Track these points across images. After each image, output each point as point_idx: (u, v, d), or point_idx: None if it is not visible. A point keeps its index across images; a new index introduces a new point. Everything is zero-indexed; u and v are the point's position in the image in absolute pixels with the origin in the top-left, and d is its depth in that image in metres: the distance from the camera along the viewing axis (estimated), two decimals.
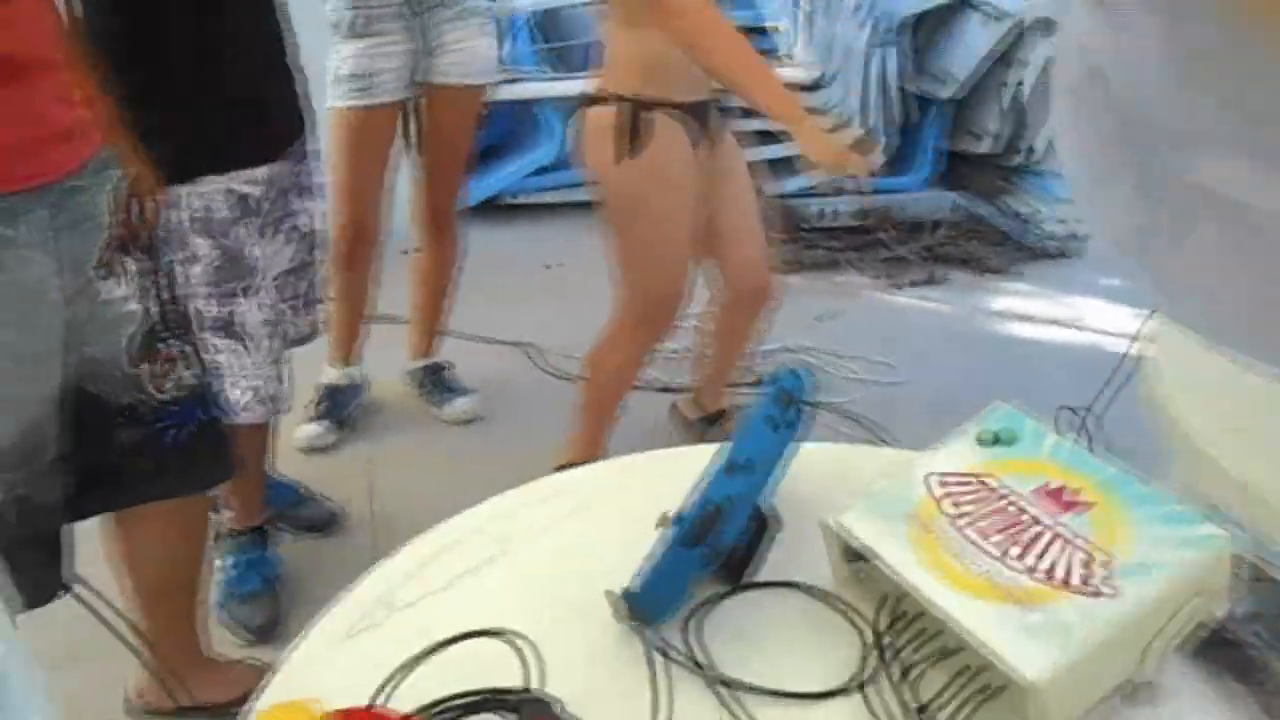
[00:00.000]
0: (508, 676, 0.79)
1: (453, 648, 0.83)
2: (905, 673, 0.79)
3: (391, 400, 2.77)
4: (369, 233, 2.43)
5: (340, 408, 2.63)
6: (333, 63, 2.27)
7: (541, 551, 0.96)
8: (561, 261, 3.51)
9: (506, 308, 3.10)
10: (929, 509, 0.84)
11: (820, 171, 1.82)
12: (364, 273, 2.49)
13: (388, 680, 0.79)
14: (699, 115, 1.97)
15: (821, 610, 0.87)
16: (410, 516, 2.22)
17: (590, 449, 2.17)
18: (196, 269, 1.70)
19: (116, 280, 1.37)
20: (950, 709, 0.75)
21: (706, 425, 2.52)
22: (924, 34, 3.69)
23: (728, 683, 0.79)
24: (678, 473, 0.92)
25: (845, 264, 3.50)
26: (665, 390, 2.75)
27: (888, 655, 0.80)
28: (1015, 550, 0.78)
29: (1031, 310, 3.26)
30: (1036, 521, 0.80)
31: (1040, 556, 0.77)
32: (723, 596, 0.87)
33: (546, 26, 4.13)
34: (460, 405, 2.71)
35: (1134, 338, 1.30)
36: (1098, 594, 0.74)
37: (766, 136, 2.84)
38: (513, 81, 3.60)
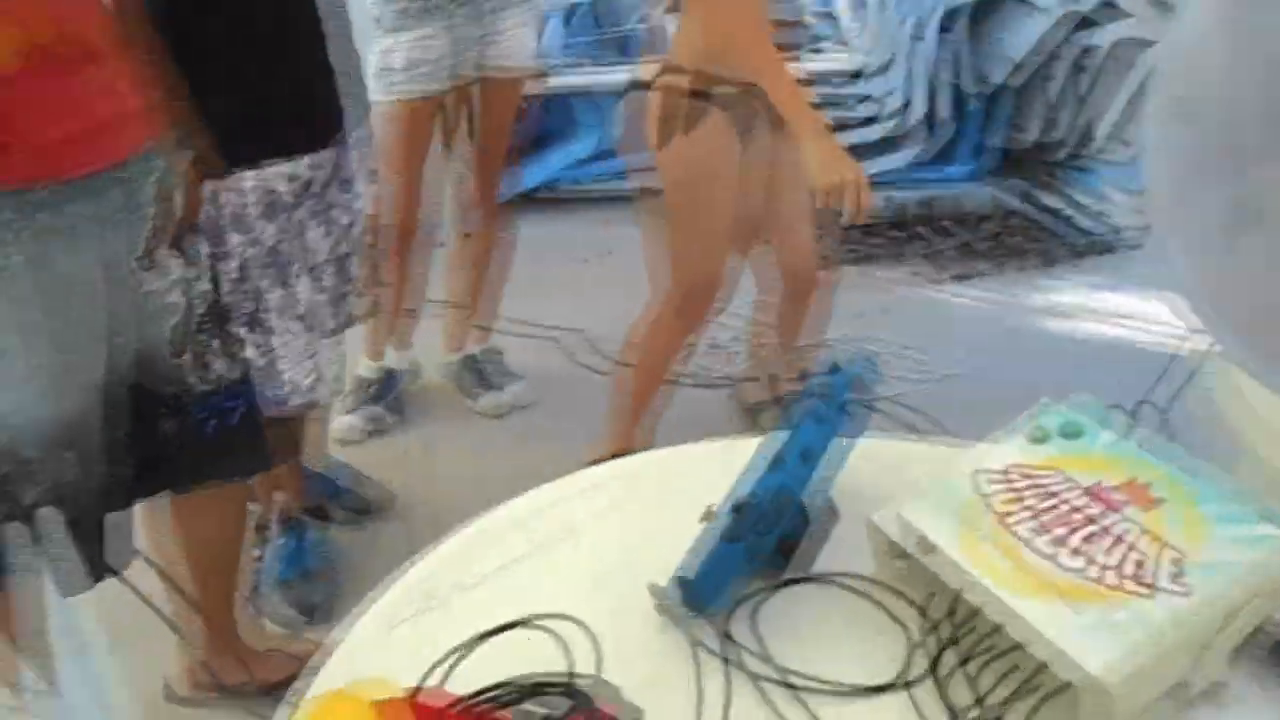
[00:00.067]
0: (556, 665, 0.79)
1: (501, 635, 0.83)
2: (952, 672, 0.78)
3: (431, 391, 2.78)
4: (412, 227, 2.44)
5: (376, 400, 2.64)
6: (375, 56, 2.28)
7: (586, 543, 0.95)
8: (599, 254, 3.50)
9: (544, 300, 3.10)
10: (978, 507, 0.82)
11: (815, 190, 1.78)
12: (405, 267, 2.50)
13: (441, 661, 0.79)
14: (760, 101, 1.96)
15: (865, 607, 0.86)
16: (450, 506, 2.25)
17: (629, 439, 2.17)
18: (233, 262, 1.71)
19: (159, 272, 1.38)
20: (1000, 709, 0.74)
21: (761, 413, 2.52)
22: (973, 26, 3.64)
23: (772, 675, 0.78)
24: (722, 465, 0.91)
25: (886, 259, 3.47)
26: (707, 386, 2.75)
27: (935, 653, 0.79)
28: (1070, 547, 0.77)
29: (1076, 306, 3.21)
30: (1093, 518, 0.79)
31: (1098, 554, 0.76)
32: (766, 591, 0.86)
33: (580, 18, 4.12)
34: (487, 401, 2.72)
35: (1187, 335, 1.27)
36: (1166, 591, 0.72)
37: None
38: (553, 74, 3.60)
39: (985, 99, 3.65)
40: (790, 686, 0.78)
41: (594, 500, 1.02)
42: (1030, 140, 3.65)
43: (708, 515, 0.82)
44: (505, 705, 0.71)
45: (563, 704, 0.71)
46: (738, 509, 0.78)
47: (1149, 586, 0.73)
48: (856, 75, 3.66)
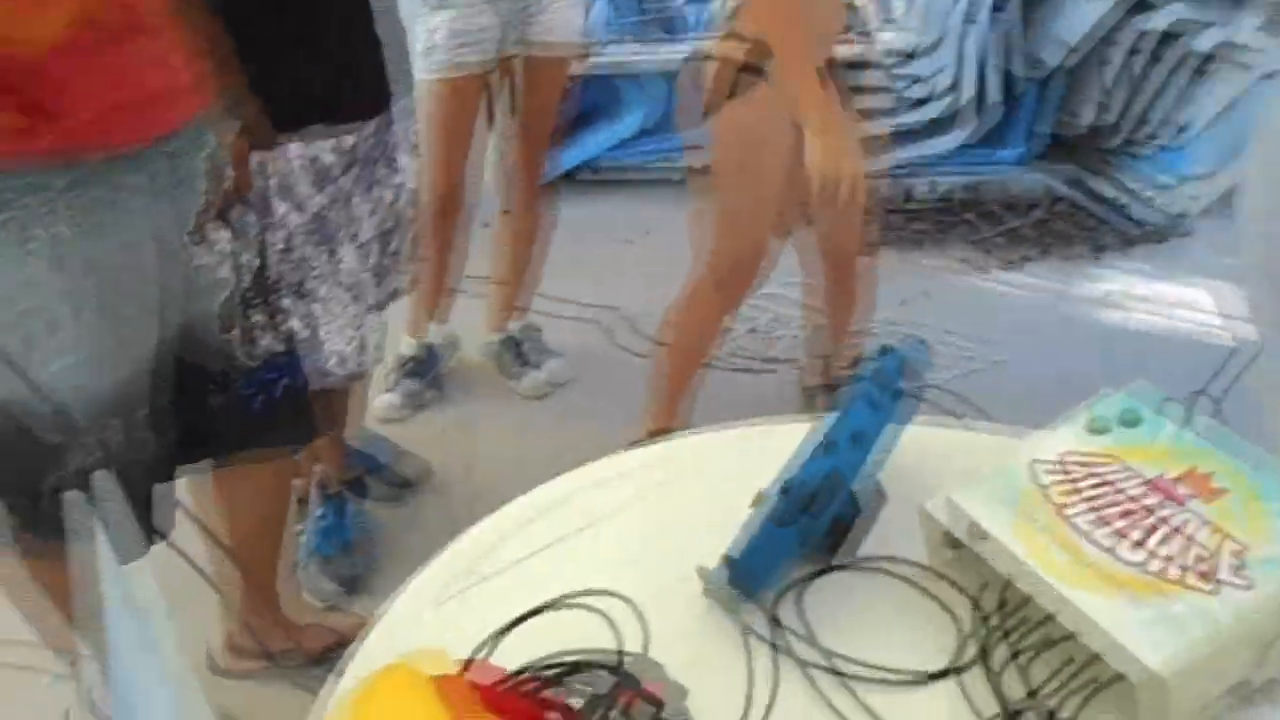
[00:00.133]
0: (601, 643, 0.79)
1: (547, 613, 0.83)
2: (1006, 664, 0.76)
3: (471, 369, 2.79)
4: (455, 204, 2.44)
5: (416, 377, 2.66)
6: (422, 33, 2.28)
7: (631, 524, 0.95)
8: (639, 235, 3.49)
9: (584, 281, 3.10)
10: (1035, 497, 0.81)
11: (814, 177, 1.77)
12: (447, 245, 2.51)
13: (492, 637, 0.79)
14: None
15: (912, 594, 0.85)
16: (488, 484, 2.27)
17: (667, 419, 2.17)
18: (280, 232, 1.72)
19: (208, 247, 1.38)
20: (1052, 701, 0.73)
21: (815, 397, 2.52)
22: (1025, 8, 3.57)
23: (820, 660, 0.77)
24: (769, 448, 0.90)
25: (931, 245, 3.43)
26: (745, 370, 2.73)
27: (988, 643, 0.78)
28: (1130, 540, 0.75)
29: (1125, 296, 3.15)
30: (1153, 510, 0.77)
31: (1158, 547, 0.74)
32: (814, 576, 0.85)
33: None
34: (529, 382, 2.72)
35: (1236, 326, 1.25)
36: (1228, 585, 0.70)
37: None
38: (598, 53, 3.58)
39: (1037, 82, 3.58)
40: (839, 674, 0.77)
41: (639, 481, 1.01)
42: (1083, 124, 3.57)
43: (758, 499, 0.82)
44: (552, 681, 0.70)
45: (608, 680, 0.71)
46: (788, 492, 0.77)
47: (1210, 580, 0.71)
48: (908, 56, 3.60)
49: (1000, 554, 0.78)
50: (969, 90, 3.51)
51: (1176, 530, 0.75)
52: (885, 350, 0.88)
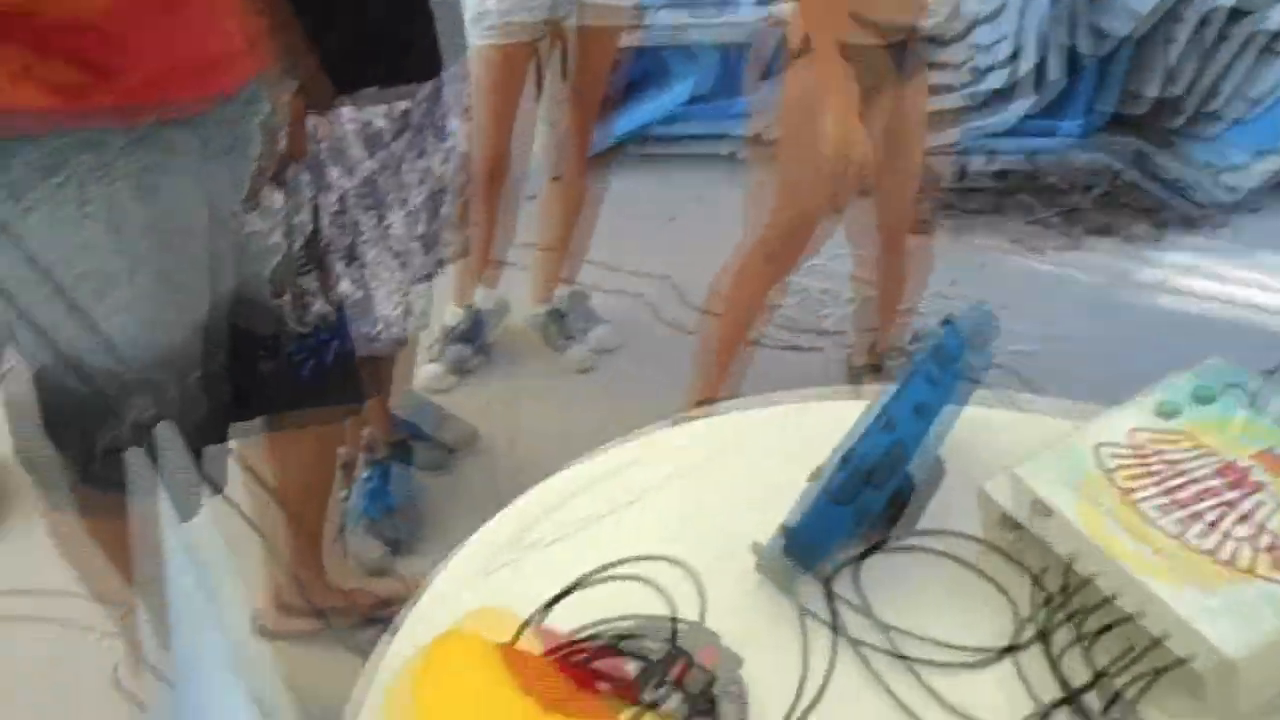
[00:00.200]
0: (655, 612, 0.78)
1: (599, 582, 0.82)
2: (1067, 647, 0.75)
3: (517, 339, 2.79)
4: (502, 170, 2.44)
5: (463, 345, 2.66)
6: (472, 1, 2.28)
7: (681, 496, 0.94)
8: (688, 209, 3.47)
9: (631, 254, 3.09)
10: (1100, 482, 0.79)
11: (824, 162, 1.81)
12: (493, 211, 2.50)
13: (550, 601, 0.79)
14: (891, 61, 1.94)
15: (969, 575, 0.83)
16: (533, 453, 2.28)
17: (714, 390, 2.16)
18: (332, 195, 1.72)
19: (263, 212, 1.39)
20: (1113, 686, 0.71)
21: (863, 376, 2.50)
22: None
23: (878, 636, 0.76)
24: (823, 423, 0.89)
25: (984, 226, 3.37)
26: (793, 348, 2.71)
27: (1048, 625, 0.76)
28: (1200, 525, 0.73)
29: (1183, 282, 3.08)
30: (1223, 494, 0.75)
31: (1229, 533, 0.72)
32: (869, 552, 0.84)
33: None
34: (574, 354, 2.72)
35: None
36: None
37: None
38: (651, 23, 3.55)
39: (1096, 62, 3.49)
40: (902, 657, 0.76)
41: (689, 454, 1.00)
42: (1148, 99, 3.48)
43: (815, 474, 0.80)
44: (605, 650, 0.70)
45: (662, 649, 0.70)
46: (847, 465, 0.76)
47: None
48: (966, 31, 3.52)
49: (1064, 533, 0.76)
50: (1029, 61, 3.43)
51: (1247, 515, 0.73)
52: (948, 322, 0.86)
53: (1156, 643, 0.70)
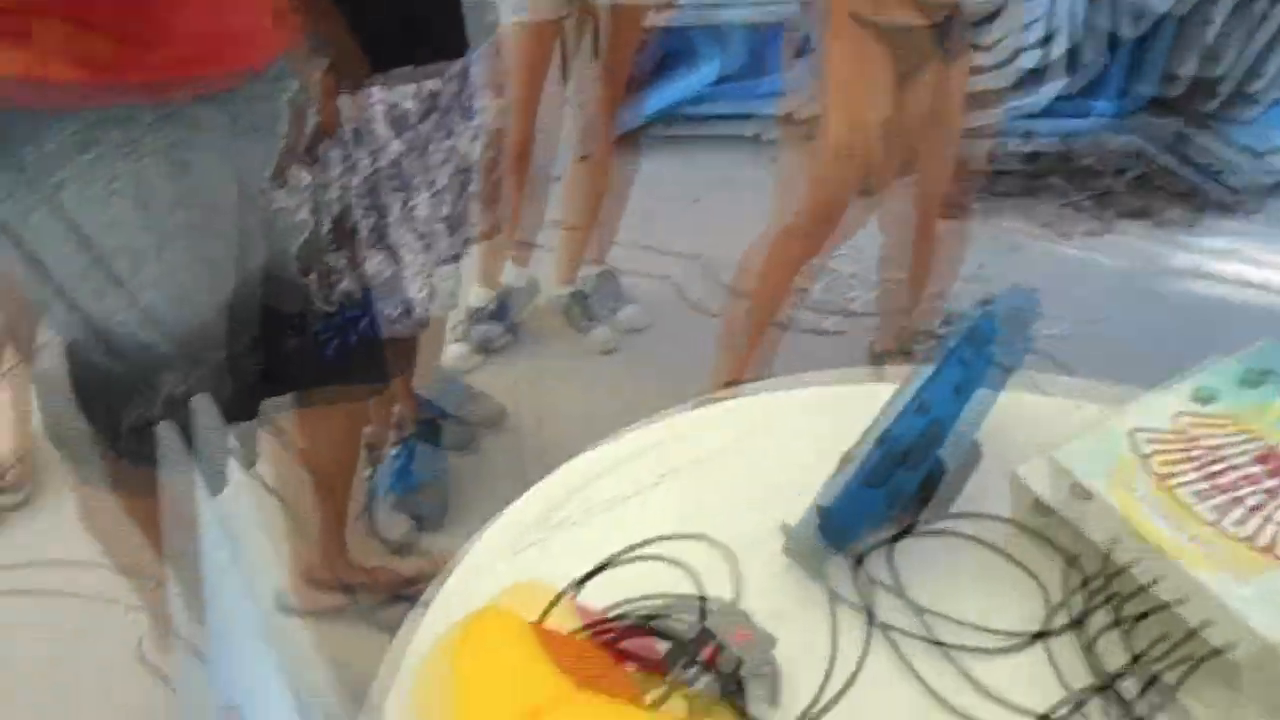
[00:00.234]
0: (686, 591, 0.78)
1: (628, 562, 0.82)
2: (1101, 632, 0.74)
3: (543, 319, 2.79)
4: (528, 151, 2.44)
5: (490, 324, 2.66)
6: None
7: (708, 478, 0.94)
8: (714, 191, 3.45)
9: (656, 234, 3.08)
10: (1136, 467, 0.78)
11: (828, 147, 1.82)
12: (520, 191, 2.50)
13: (581, 579, 0.78)
14: (939, 34, 1.93)
15: (999, 560, 0.83)
16: (560, 433, 2.28)
17: (741, 370, 2.15)
18: (358, 176, 1.72)
19: (289, 190, 1.39)
20: (1149, 672, 0.70)
21: (890, 360, 2.49)
22: None
23: (909, 618, 0.75)
24: (848, 407, 0.88)
25: (1014, 210, 3.33)
26: (818, 332, 2.70)
27: (1082, 611, 0.75)
28: (1239, 512, 0.72)
29: (1217, 267, 3.04)
30: (1262, 481, 0.74)
31: (1268, 519, 0.71)
32: (900, 535, 0.83)
33: None
34: (598, 337, 2.72)
35: None
36: None
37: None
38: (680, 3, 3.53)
39: (1130, 44, 3.43)
40: (936, 643, 0.75)
41: (717, 435, 1.00)
42: (1186, 78, 3.42)
43: (847, 457, 0.79)
44: (636, 627, 0.69)
45: (693, 628, 0.70)
46: (881, 446, 0.75)
47: None
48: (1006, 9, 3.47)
49: (1100, 518, 0.75)
50: (1063, 43, 3.38)
51: None
52: (986, 303, 0.85)
53: (1194, 631, 0.69)
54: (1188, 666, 0.69)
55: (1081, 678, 0.72)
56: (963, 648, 0.75)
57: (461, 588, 0.83)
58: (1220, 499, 0.73)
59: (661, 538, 0.83)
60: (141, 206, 1.18)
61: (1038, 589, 0.80)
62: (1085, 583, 0.77)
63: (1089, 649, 0.73)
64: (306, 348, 1.48)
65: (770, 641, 0.72)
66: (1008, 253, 3.03)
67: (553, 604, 0.71)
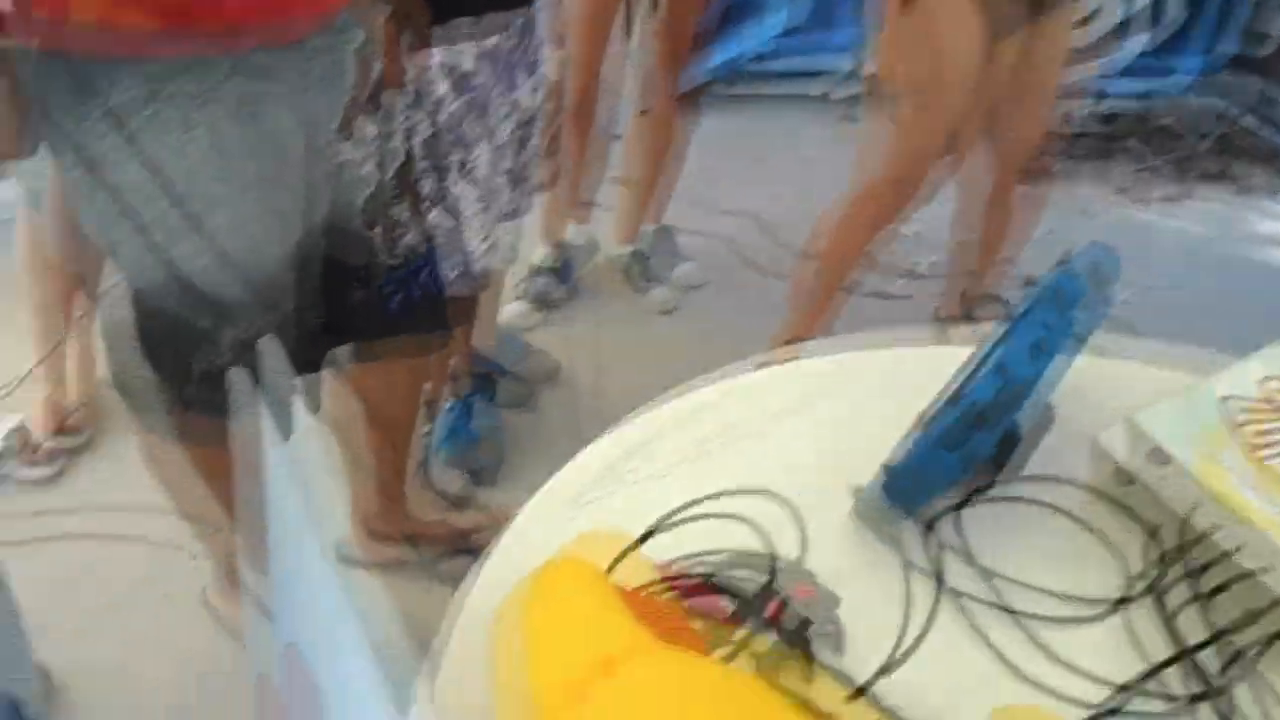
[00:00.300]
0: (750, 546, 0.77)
1: (692, 519, 0.81)
2: (1183, 605, 0.72)
3: (602, 278, 2.78)
4: (591, 106, 2.41)
5: (549, 281, 2.66)
6: None
7: (774, 437, 0.92)
8: (776, 151, 3.40)
9: (717, 193, 3.05)
10: (1224, 434, 0.75)
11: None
12: (582, 145, 2.48)
13: (647, 535, 0.77)
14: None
15: (1073, 527, 0.80)
16: (617, 392, 2.27)
17: (806, 329, 2.12)
18: (420, 131, 1.72)
19: (355, 142, 1.39)
20: (1232, 645, 0.68)
21: (951, 326, 2.45)
22: None
23: (979, 583, 0.73)
24: (920, 368, 0.86)
25: (1089, 175, 3.23)
26: (883, 296, 2.66)
27: (1161, 580, 0.73)
28: None
29: None
30: None
31: None
32: (970, 498, 0.81)
33: None
34: (657, 296, 2.71)
35: None
36: None
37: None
38: None
39: (1217, 1, 3.31)
40: (1005, 607, 0.73)
41: (783, 394, 0.98)
42: (1275, 37, 3.28)
43: (920, 422, 0.77)
44: (701, 583, 0.68)
45: (757, 585, 0.69)
46: (957, 407, 0.73)
47: None
48: None
49: (1183, 486, 0.73)
50: (1139, 2, 3.26)
51: None
52: (1066, 261, 0.81)
53: (1277, 601, 0.67)
54: (1269, 638, 0.67)
55: (1162, 649, 0.70)
56: (1035, 615, 0.72)
57: (523, 541, 0.82)
58: None
59: (726, 493, 0.82)
60: (214, 155, 1.19)
61: (1114, 558, 0.77)
62: (1164, 553, 0.75)
63: (1169, 620, 0.70)
64: (371, 300, 1.48)
65: (834, 601, 0.71)
66: (1079, 218, 2.95)
67: (625, 553, 0.70)
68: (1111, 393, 0.86)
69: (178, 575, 1.86)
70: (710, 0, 2.47)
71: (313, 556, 0.45)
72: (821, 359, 1.06)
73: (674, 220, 2.81)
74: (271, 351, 0.56)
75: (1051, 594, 0.74)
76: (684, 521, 0.79)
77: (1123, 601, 0.73)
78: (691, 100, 2.58)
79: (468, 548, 1.82)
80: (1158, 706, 0.66)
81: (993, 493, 0.82)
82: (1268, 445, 0.73)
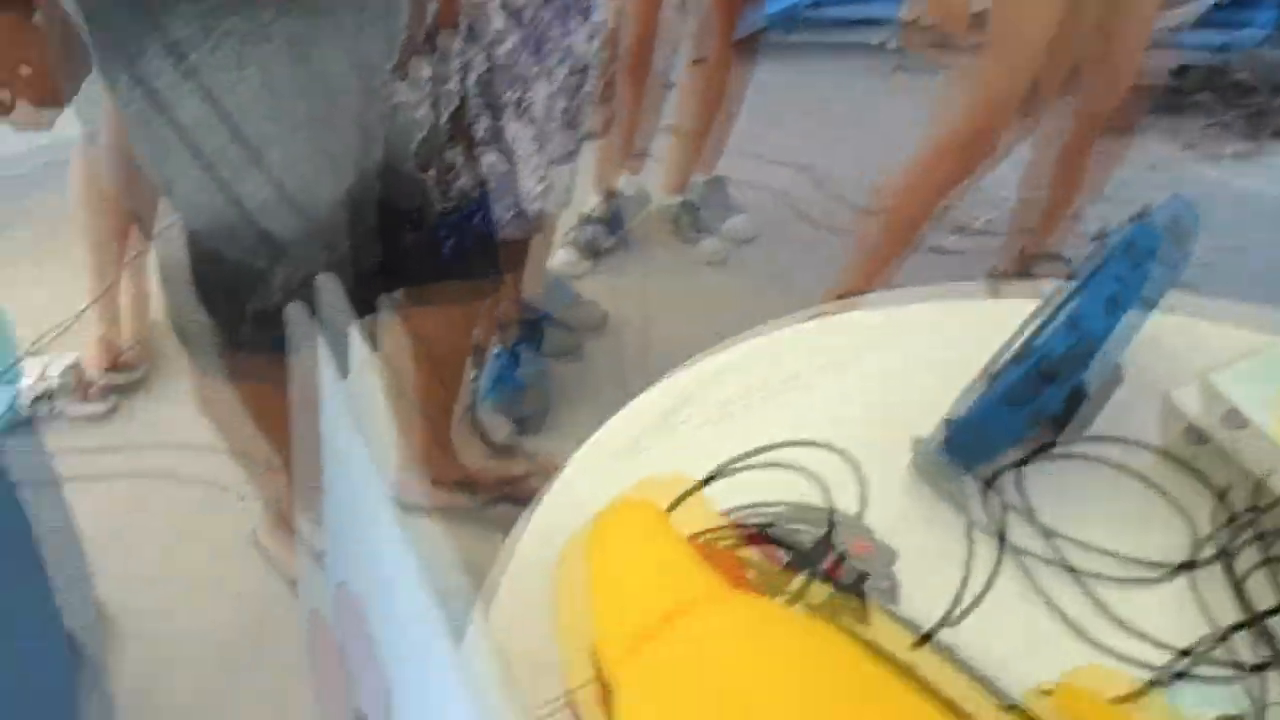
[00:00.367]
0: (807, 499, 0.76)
1: (746, 468, 0.80)
2: (1253, 569, 0.69)
3: (652, 228, 2.76)
4: (648, 55, 2.38)
5: (599, 230, 2.64)
6: None
7: (830, 389, 0.90)
8: (832, 101, 3.34)
9: (771, 143, 3.00)
10: None
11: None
12: (639, 94, 2.45)
13: (704, 482, 0.76)
14: None
15: (1141, 489, 0.78)
16: (665, 342, 2.26)
17: (866, 282, 2.08)
18: (475, 72, 1.70)
19: (410, 83, 1.37)
20: None
21: (1005, 282, 2.40)
22: None
23: (1040, 542, 0.71)
24: (978, 321, 0.84)
25: (1159, 129, 3.13)
26: (937, 250, 2.61)
27: (1231, 543, 0.71)
28: None
29: None
30: None
31: None
32: (1033, 456, 0.79)
33: None
34: (706, 247, 2.68)
35: None
36: None
37: None
38: None
39: None
40: (1068, 566, 0.71)
41: (839, 344, 0.96)
42: None
43: (986, 375, 0.75)
44: (755, 537, 0.67)
45: (813, 538, 0.68)
46: (1025, 362, 0.71)
47: None
48: None
49: (1259, 447, 0.70)
50: None
51: None
52: (1143, 214, 0.78)
53: None
54: None
55: (1226, 614, 0.68)
56: (1099, 576, 0.71)
57: (574, 488, 0.82)
58: None
59: (784, 444, 0.80)
60: (265, 94, 1.18)
61: (1182, 520, 0.75)
62: (1233, 516, 0.72)
63: (1239, 585, 0.68)
64: (423, 244, 1.48)
65: (891, 556, 0.70)
66: (1147, 173, 2.86)
67: (688, 494, 0.69)
68: (1182, 351, 0.83)
69: (227, 515, 1.88)
70: None
71: (368, 491, 0.44)
72: (873, 311, 1.04)
73: (725, 171, 2.78)
74: (330, 288, 0.55)
75: (1115, 555, 0.72)
76: (743, 469, 0.78)
77: (1189, 565, 0.71)
78: (747, 48, 2.53)
79: (512, 495, 1.83)
80: (1224, 672, 0.64)
81: (1056, 451, 0.80)
82: None
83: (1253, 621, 0.66)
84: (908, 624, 0.62)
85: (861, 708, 0.46)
